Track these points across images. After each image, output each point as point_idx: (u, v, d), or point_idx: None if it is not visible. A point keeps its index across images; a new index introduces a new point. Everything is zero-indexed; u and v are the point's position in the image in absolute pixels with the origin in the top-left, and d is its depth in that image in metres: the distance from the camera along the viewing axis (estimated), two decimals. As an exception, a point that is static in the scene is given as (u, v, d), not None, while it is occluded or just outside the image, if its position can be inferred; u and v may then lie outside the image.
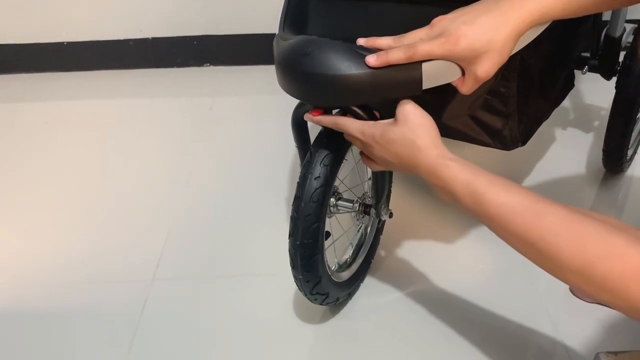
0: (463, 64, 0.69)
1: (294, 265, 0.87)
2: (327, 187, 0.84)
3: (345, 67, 0.71)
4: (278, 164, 1.38)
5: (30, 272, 1.12)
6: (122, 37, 1.83)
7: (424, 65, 0.70)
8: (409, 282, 1.06)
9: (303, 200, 0.83)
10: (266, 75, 1.70)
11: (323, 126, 0.84)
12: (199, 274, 1.10)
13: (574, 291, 1.00)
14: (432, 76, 0.71)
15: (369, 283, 1.06)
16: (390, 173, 0.99)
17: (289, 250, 0.86)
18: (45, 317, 1.03)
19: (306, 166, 0.84)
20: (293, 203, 0.84)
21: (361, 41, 0.73)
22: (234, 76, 1.80)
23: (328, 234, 0.94)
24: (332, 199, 0.94)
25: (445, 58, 0.69)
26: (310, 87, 0.76)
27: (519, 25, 0.67)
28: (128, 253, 1.15)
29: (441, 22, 0.69)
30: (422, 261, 1.10)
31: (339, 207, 0.95)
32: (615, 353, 0.59)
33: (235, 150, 1.46)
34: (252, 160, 1.41)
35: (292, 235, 0.85)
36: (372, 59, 0.70)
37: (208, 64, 1.87)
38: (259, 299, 1.04)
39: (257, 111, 1.61)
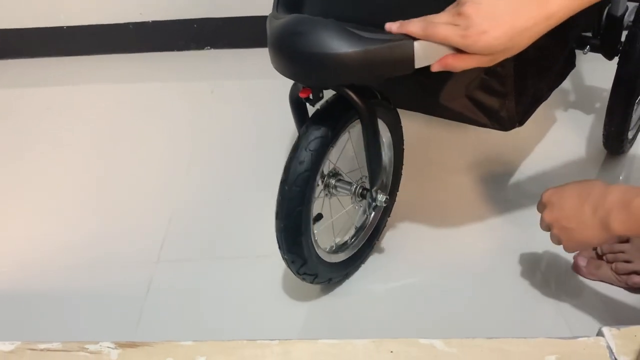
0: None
1: (280, 246, 0.89)
2: (312, 172, 0.84)
3: (336, 45, 0.71)
4: (280, 146, 1.37)
5: (35, 256, 1.13)
6: (122, 21, 1.82)
7: (416, 44, 0.69)
8: (412, 264, 1.06)
9: (287, 184, 0.84)
10: (267, 58, 1.69)
11: (315, 110, 0.85)
12: (202, 255, 1.11)
13: (577, 268, 1.00)
14: (425, 55, 0.69)
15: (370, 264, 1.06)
16: (382, 160, 0.95)
17: (275, 232, 0.88)
18: (53, 299, 1.04)
19: (292, 150, 0.85)
20: (279, 186, 0.86)
21: (393, 27, 0.70)
22: (235, 59, 1.79)
23: (320, 216, 0.96)
24: (332, 180, 0.95)
25: (461, 49, 0.66)
26: (301, 66, 0.76)
27: (551, 23, 0.65)
28: (132, 236, 1.16)
29: (467, 7, 0.64)
30: (426, 243, 1.10)
31: (338, 189, 0.95)
32: (619, 328, 0.59)
33: (236, 134, 1.45)
34: (254, 143, 1.41)
35: (277, 217, 0.87)
36: (394, 26, 0.70)
37: (209, 47, 1.86)
38: (262, 280, 1.05)
39: (258, 94, 1.60)
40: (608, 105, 1.15)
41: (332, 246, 1.01)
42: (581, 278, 1.00)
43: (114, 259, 1.11)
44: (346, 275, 1.03)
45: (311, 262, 0.91)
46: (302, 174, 0.84)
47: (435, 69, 0.69)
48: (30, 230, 1.19)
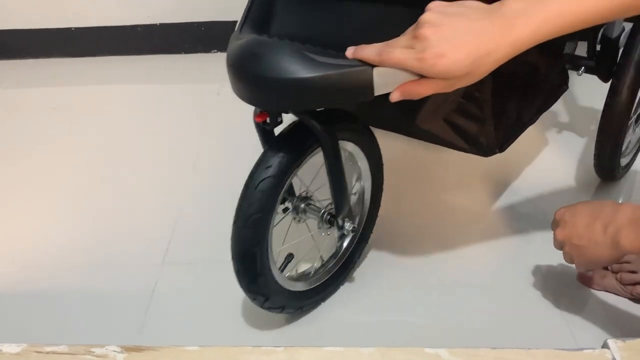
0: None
1: (232, 255, 0.84)
2: (277, 180, 0.80)
3: (291, 70, 0.68)
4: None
5: (40, 257, 1.13)
6: (129, 23, 1.83)
7: (375, 70, 0.65)
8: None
9: (250, 187, 0.81)
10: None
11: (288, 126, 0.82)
12: (207, 257, 1.11)
13: (582, 279, 1.00)
14: (385, 82, 0.65)
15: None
16: (346, 188, 0.90)
17: (230, 239, 0.83)
18: (58, 300, 1.04)
19: (244, 188, 0.81)
20: (232, 226, 0.82)
21: (348, 52, 0.67)
22: (241, 62, 1.80)
23: (291, 256, 0.93)
24: (302, 204, 0.91)
25: (419, 73, 0.62)
26: (256, 90, 0.73)
27: (516, 49, 0.60)
28: (138, 238, 1.16)
29: (425, 29, 0.60)
30: (425, 258, 1.09)
31: (307, 213, 0.92)
32: (624, 340, 0.59)
33: (243, 136, 1.45)
34: (260, 145, 1.41)
35: (234, 222, 0.82)
36: (349, 51, 0.66)
37: (215, 50, 1.87)
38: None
39: (264, 97, 1.61)
40: (598, 130, 1.10)
41: (300, 274, 0.97)
42: (586, 288, 0.99)
43: (120, 261, 1.11)
44: (301, 309, 0.96)
45: (264, 280, 0.85)
46: (252, 215, 0.80)
47: (394, 97, 0.65)
48: (36, 232, 1.20)
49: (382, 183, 1.00)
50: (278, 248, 0.91)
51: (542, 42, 0.60)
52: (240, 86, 0.74)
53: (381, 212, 1.03)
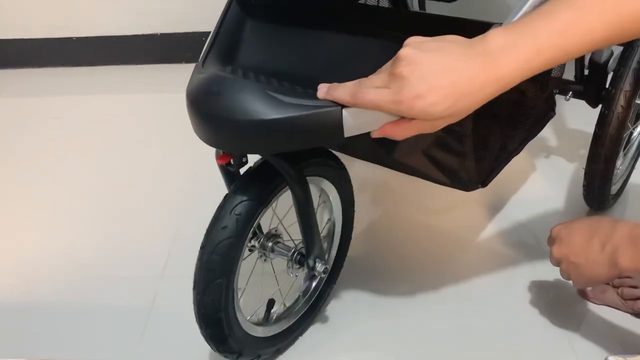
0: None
1: (197, 320, 0.79)
2: (237, 240, 0.75)
3: (253, 111, 0.62)
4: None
5: (38, 270, 1.12)
6: (130, 33, 1.84)
7: (345, 112, 0.60)
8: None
9: (206, 250, 0.75)
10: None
11: (249, 169, 0.77)
12: (207, 270, 1.10)
13: (582, 293, 1.00)
14: (356, 123, 0.60)
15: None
16: (316, 227, 0.84)
17: (193, 302, 0.78)
18: (57, 311, 1.03)
19: (216, 212, 0.76)
20: (198, 252, 0.77)
21: (320, 93, 0.62)
22: (242, 73, 1.80)
23: (272, 302, 0.89)
24: (270, 243, 0.86)
25: (396, 114, 0.58)
26: (216, 132, 0.67)
27: (502, 87, 0.55)
28: (137, 250, 1.16)
29: (402, 67, 0.55)
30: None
31: (275, 252, 0.86)
32: (625, 357, 0.59)
33: (243, 147, 1.46)
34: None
35: (194, 287, 0.77)
36: (321, 91, 0.62)
37: (216, 60, 1.87)
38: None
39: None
40: (587, 160, 1.06)
41: (263, 317, 0.90)
42: (587, 303, 0.99)
43: (119, 274, 1.11)
44: (278, 351, 0.92)
45: (234, 339, 0.81)
46: (224, 240, 0.74)
47: (374, 135, 0.60)
48: (34, 243, 1.19)
49: (353, 218, 0.96)
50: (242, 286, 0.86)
51: (530, 77, 0.56)
52: (200, 126, 0.69)
53: (359, 242, 0.98)
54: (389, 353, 0.93)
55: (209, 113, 0.66)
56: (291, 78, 0.67)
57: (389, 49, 0.58)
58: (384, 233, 1.18)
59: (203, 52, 0.76)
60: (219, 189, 1.31)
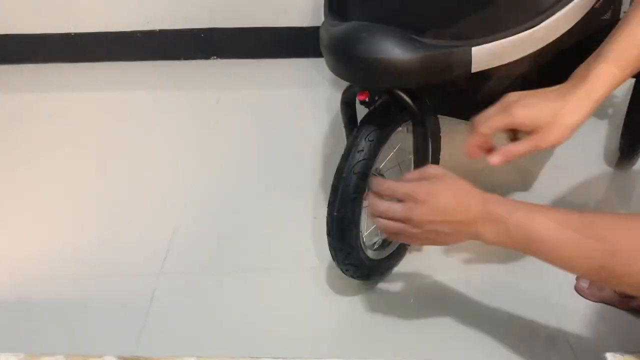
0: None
1: (329, 233, 0.91)
2: (370, 161, 0.87)
3: (398, 51, 0.76)
4: (285, 157, 1.38)
5: (38, 266, 1.13)
6: (129, 29, 1.83)
7: (474, 50, 0.75)
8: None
9: (345, 171, 0.87)
10: (273, 69, 1.71)
11: (373, 106, 0.90)
12: (205, 267, 1.11)
13: (579, 290, 1.00)
14: (482, 59, 0.75)
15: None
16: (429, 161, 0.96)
17: (326, 218, 0.90)
18: (56, 309, 1.04)
19: (352, 140, 0.88)
20: (335, 174, 0.88)
21: (496, 160, 0.74)
22: (241, 69, 1.79)
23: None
24: (382, 173, 0.96)
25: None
26: (364, 71, 0.80)
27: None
28: (136, 246, 1.16)
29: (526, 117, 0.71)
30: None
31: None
32: (623, 354, 0.59)
33: (242, 144, 1.46)
34: (260, 153, 1.41)
35: (330, 204, 0.89)
36: (496, 159, 0.73)
37: (215, 57, 1.87)
38: (265, 294, 1.04)
39: (264, 104, 1.61)
40: (627, 111, 1.15)
41: (372, 244, 1.02)
42: (584, 301, 0.99)
43: (118, 270, 1.11)
44: (381, 275, 1.04)
45: (356, 253, 0.92)
46: (360, 161, 0.87)
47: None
48: (33, 240, 1.19)
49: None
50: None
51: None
52: (347, 68, 0.82)
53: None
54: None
55: (359, 55, 0.78)
56: (422, 22, 0.79)
57: None
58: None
59: (324, 13, 0.89)
60: (219, 186, 1.33)
